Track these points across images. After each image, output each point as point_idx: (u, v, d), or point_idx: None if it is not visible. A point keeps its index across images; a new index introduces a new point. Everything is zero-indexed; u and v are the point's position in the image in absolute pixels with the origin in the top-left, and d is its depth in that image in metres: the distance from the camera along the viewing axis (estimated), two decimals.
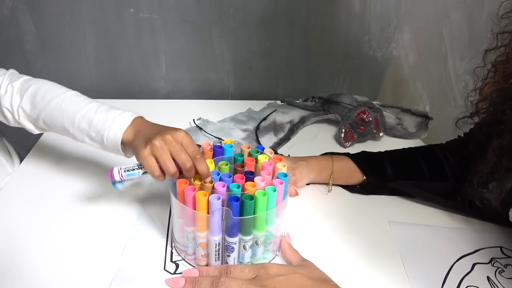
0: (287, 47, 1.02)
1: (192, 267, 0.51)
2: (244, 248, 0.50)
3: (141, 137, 0.50)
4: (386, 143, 0.87)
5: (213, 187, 0.48)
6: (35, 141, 0.78)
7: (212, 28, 0.97)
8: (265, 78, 1.06)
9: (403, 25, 1.04)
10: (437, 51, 1.08)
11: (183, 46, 0.99)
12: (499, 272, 0.56)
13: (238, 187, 0.47)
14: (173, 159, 0.48)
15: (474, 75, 0.63)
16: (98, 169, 0.70)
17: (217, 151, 0.55)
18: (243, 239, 0.49)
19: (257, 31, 0.99)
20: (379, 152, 0.71)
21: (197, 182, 0.49)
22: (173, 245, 0.54)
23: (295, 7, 0.97)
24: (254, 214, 0.47)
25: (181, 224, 0.50)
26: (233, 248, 0.49)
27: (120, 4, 0.91)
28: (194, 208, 0.47)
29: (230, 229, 0.48)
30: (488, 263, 0.57)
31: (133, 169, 0.50)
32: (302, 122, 0.90)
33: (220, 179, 0.49)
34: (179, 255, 0.53)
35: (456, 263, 0.57)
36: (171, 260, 0.52)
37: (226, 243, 0.49)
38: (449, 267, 0.56)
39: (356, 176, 0.67)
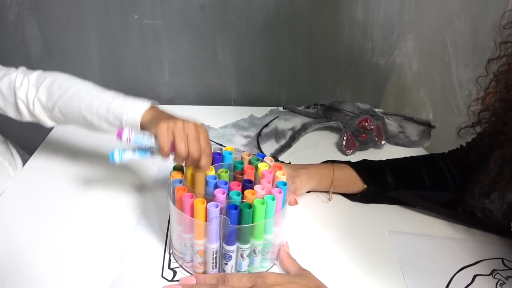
0: (289, 53, 1.03)
1: (189, 275, 0.50)
2: (242, 256, 0.49)
3: (163, 116, 0.53)
4: (388, 151, 0.87)
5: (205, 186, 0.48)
6: (38, 144, 0.79)
7: (215, 35, 0.98)
8: (268, 85, 1.07)
9: (407, 33, 1.04)
10: (440, 59, 1.08)
11: (186, 52, 1.00)
12: (500, 284, 0.55)
13: (238, 195, 0.47)
14: None
15: (477, 84, 0.63)
16: (100, 175, 0.70)
17: (216, 158, 0.55)
18: (240, 248, 0.49)
19: (260, 37, 1.00)
20: (380, 161, 0.70)
21: (189, 171, 0.50)
22: (171, 251, 0.54)
23: (298, 14, 0.97)
24: (252, 223, 0.47)
25: (179, 231, 0.49)
26: (230, 256, 0.49)
27: (124, 10, 0.92)
28: (192, 216, 0.46)
29: (228, 237, 0.47)
30: (489, 275, 0.57)
31: (143, 138, 0.50)
32: (303, 129, 0.90)
33: (216, 186, 0.49)
34: (177, 262, 0.53)
35: (457, 274, 0.56)
36: (169, 267, 0.52)
37: (223, 251, 0.49)
38: (450, 279, 0.55)
39: (357, 184, 0.67)
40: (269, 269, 0.53)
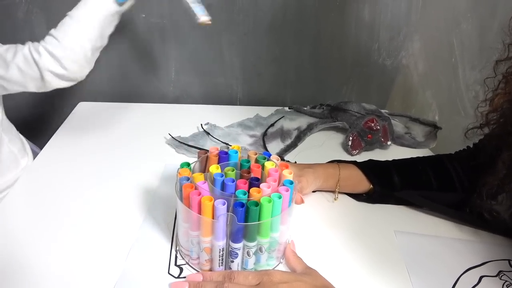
0: (296, 54, 1.03)
1: (196, 272, 0.51)
2: (248, 254, 0.50)
3: None
4: (394, 152, 0.87)
5: None
6: (47, 136, 0.80)
7: (221, 34, 0.98)
8: (274, 85, 1.07)
9: (413, 34, 1.03)
10: (447, 60, 1.08)
11: (193, 51, 1.00)
12: (506, 286, 0.55)
13: (244, 193, 0.47)
14: None
15: (484, 86, 0.63)
16: (108, 171, 0.71)
17: (222, 157, 0.55)
18: (247, 245, 0.49)
19: (267, 38, 1.00)
20: (387, 161, 0.70)
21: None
22: (177, 248, 0.54)
23: (304, 14, 0.97)
24: (259, 221, 0.47)
25: (186, 228, 0.50)
26: (237, 254, 0.49)
27: (132, 10, 0.92)
28: (199, 213, 0.47)
29: (235, 235, 0.47)
30: (496, 276, 0.56)
31: None
32: (309, 129, 0.90)
33: (223, 184, 0.49)
34: (183, 259, 0.53)
35: (463, 275, 0.56)
36: (175, 264, 0.52)
37: (230, 249, 0.49)
38: (456, 279, 0.55)
39: (363, 184, 0.67)
40: (275, 267, 0.53)
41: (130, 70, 1.02)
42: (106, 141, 0.82)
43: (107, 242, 0.55)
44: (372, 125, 0.82)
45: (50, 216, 0.59)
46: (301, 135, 0.88)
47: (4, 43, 0.66)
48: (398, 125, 0.97)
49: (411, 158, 0.72)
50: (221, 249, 0.49)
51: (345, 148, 0.84)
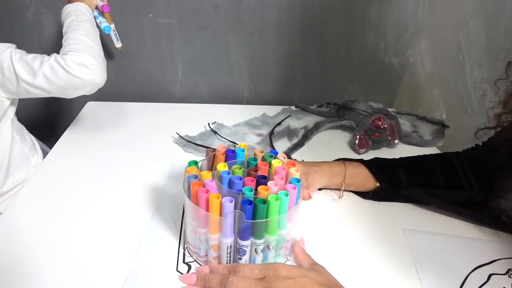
0: (302, 53, 1.03)
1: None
2: (256, 251, 0.50)
3: None
4: (401, 151, 0.86)
5: None
6: (57, 138, 0.81)
7: (228, 34, 0.98)
8: (280, 84, 1.07)
9: (420, 33, 1.03)
10: (454, 58, 1.07)
11: (200, 51, 1.00)
12: None
13: (251, 190, 0.48)
14: None
15: (495, 87, 0.62)
16: (116, 170, 0.72)
17: (230, 155, 0.55)
18: (255, 243, 0.49)
19: (273, 37, 1.00)
20: (393, 159, 0.70)
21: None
22: (185, 246, 0.54)
23: (311, 14, 0.97)
24: (266, 218, 0.47)
25: (194, 225, 0.50)
26: (244, 251, 0.49)
27: (139, 10, 0.93)
28: (207, 210, 0.47)
29: (243, 232, 0.48)
30: (505, 274, 0.56)
31: None
32: (316, 128, 0.90)
33: (230, 181, 0.49)
34: (191, 256, 0.53)
35: (472, 273, 0.55)
36: (184, 261, 0.52)
37: (238, 246, 0.49)
38: (465, 277, 0.54)
39: (370, 182, 0.67)
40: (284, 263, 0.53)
41: (137, 70, 1.02)
42: (114, 140, 0.82)
43: (115, 240, 0.55)
44: (379, 123, 0.82)
45: (59, 213, 0.60)
46: (308, 134, 0.88)
47: (14, 43, 0.68)
48: (405, 124, 0.97)
49: (418, 156, 0.72)
50: (229, 247, 0.49)
51: (352, 146, 0.84)
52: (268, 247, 0.50)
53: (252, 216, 0.47)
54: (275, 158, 0.55)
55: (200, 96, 1.06)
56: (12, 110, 0.71)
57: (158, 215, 0.60)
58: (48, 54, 0.66)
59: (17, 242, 0.54)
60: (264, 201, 0.46)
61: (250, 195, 0.47)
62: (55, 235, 0.56)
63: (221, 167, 0.52)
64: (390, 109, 0.97)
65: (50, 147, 0.78)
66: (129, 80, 1.04)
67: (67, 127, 0.86)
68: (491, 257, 0.58)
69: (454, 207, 0.65)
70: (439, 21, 1.02)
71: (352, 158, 0.71)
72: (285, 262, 0.54)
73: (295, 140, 0.86)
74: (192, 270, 0.51)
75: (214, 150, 0.56)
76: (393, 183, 0.66)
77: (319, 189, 0.68)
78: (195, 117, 0.93)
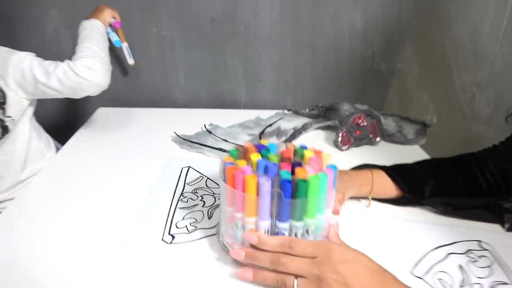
0: (294, 61, 1.11)
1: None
2: (295, 235, 0.48)
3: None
4: (384, 148, 0.92)
5: None
6: (73, 128, 0.91)
7: (225, 45, 1.08)
8: (274, 90, 1.15)
9: (405, 39, 1.09)
10: (441, 63, 1.12)
11: (199, 60, 1.10)
12: (472, 262, 0.57)
13: (288, 174, 0.47)
14: None
15: None
16: (120, 163, 0.80)
17: (261, 150, 0.55)
18: (294, 226, 0.48)
19: (266, 47, 1.09)
20: (416, 166, 0.70)
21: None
22: (220, 239, 0.55)
23: (300, 24, 1.06)
24: (306, 197, 0.46)
25: (230, 212, 0.50)
26: (283, 234, 0.48)
27: (145, 24, 1.04)
28: (244, 191, 0.46)
29: (281, 213, 0.47)
30: (463, 253, 0.59)
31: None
32: (304, 128, 0.97)
33: (266, 168, 0.48)
34: (228, 247, 0.53)
35: (431, 252, 0.59)
36: (169, 233, 0.59)
37: (276, 230, 0.48)
38: (423, 255, 0.58)
39: (394, 192, 0.68)
40: None
41: (144, 79, 1.13)
42: (120, 140, 0.92)
43: (114, 221, 0.63)
44: (359, 121, 0.88)
45: (66, 200, 0.68)
46: (295, 134, 0.95)
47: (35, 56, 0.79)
48: (390, 125, 1.02)
49: (440, 160, 0.72)
50: (267, 230, 0.48)
51: (336, 144, 0.90)
52: (307, 231, 0.49)
53: (292, 196, 0.46)
54: (306, 149, 0.55)
55: (200, 102, 1.15)
56: (30, 110, 0.82)
57: (153, 196, 0.68)
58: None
59: (28, 223, 0.62)
60: (305, 181, 0.46)
61: (288, 176, 0.46)
62: (62, 218, 0.64)
63: (255, 156, 0.51)
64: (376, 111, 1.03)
65: (63, 145, 0.88)
66: (137, 88, 1.14)
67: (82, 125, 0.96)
68: (453, 239, 0.61)
69: (469, 213, 0.66)
70: (423, 28, 1.08)
71: (375, 164, 0.72)
72: None
73: (283, 139, 0.93)
74: (175, 240, 0.58)
75: (243, 147, 0.56)
76: (416, 193, 0.67)
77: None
78: (196, 121, 1.01)
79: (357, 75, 1.13)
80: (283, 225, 0.48)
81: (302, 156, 0.54)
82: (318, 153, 0.54)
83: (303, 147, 0.56)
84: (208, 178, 0.76)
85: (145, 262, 0.54)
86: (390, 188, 0.68)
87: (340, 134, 0.89)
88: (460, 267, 0.56)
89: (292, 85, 1.14)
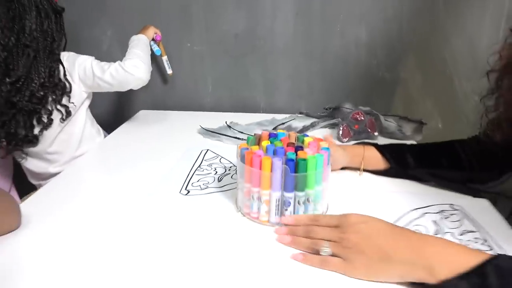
0: (306, 71, 1.26)
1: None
2: (299, 203, 0.61)
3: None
4: (382, 142, 1.02)
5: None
6: (119, 124, 1.11)
7: (246, 56, 1.26)
8: (290, 97, 1.30)
9: (407, 51, 1.21)
10: (442, 73, 1.22)
11: (225, 71, 1.29)
12: (444, 218, 0.66)
13: (293, 154, 0.61)
14: None
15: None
16: (156, 154, 0.98)
17: (272, 137, 0.70)
18: (297, 195, 0.60)
19: (282, 58, 1.25)
20: (404, 144, 0.83)
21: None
22: (238, 210, 0.68)
23: (312, 38, 1.21)
24: (306, 172, 0.59)
25: (248, 188, 0.62)
26: (289, 202, 0.60)
27: (180, 40, 1.25)
28: (260, 169, 0.59)
29: (287, 185, 0.59)
30: (437, 213, 0.68)
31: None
32: (312, 126, 1.11)
33: (275, 151, 0.62)
34: (244, 216, 0.66)
35: (410, 212, 0.68)
36: (185, 188, 0.75)
37: (284, 199, 0.60)
38: (403, 214, 0.67)
39: (382, 164, 0.79)
40: None
41: (178, 85, 1.33)
42: (156, 134, 1.11)
43: (142, 193, 0.80)
44: (357, 116, 1.01)
45: (109, 174, 0.86)
46: (303, 130, 1.09)
47: None
48: (391, 125, 1.13)
49: (425, 143, 0.83)
50: (277, 200, 0.60)
51: (337, 137, 1.03)
52: (308, 200, 0.61)
53: (295, 170, 0.59)
54: (306, 137, 0.70)
55: (224, 107, 1.33)
56: (87, 102, 1.04)
57: (176, 167, 0.85)
58: None
59: (76, 188, 0.80)
60: (304, 160, 0.59)
61: (292, 156, 0.60)
62: (102, 187, 0.80)
63: (266, 143, 0.65)
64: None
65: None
66: (172, 94, 1.34)
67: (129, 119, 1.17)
68: (429, 203, 0.70)
69: (452, 185, 0.75)
70: (423, 40, 1.20)
71: (369, 141, 0.85)
72: None
73: None
74: (190, 194, 0.73)
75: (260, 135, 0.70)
76: (402, 164, 0.78)
77: (342, 169, 0.82)
78: (220, 122, 1.16)
79: (364, 83, 1.25)
80: (289, 195, 0.60)
81: (303, 142, 0.69)
82: (316, 139, 0.68)
83: (305, 135, 0.70)
84: (222, 157, 0.91)
85: (166, 208, 0.70)
86: (378, 160, 0.80)
87: (341, 128, 1.02)
88: (434, 222, 0.65)
89: (305, 92, 1.29)
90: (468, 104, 1.25)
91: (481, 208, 0.69)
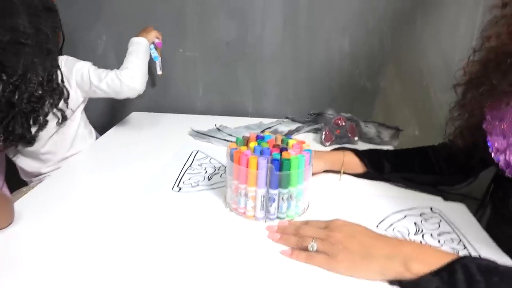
0: (293, 78, 1.33)
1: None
2: (282, 199, 0.66)
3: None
4: (362, 147, 1.09)
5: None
6: (112, 126, 1.16)
7: (236, 63, 1.32)
8: (277, 102, 1.37)
9: (387, 62, 1.29)
10: (419, 84, 1.30)
11: (216, 76, 1.35)
12: (425, 220, 0.71)
13: (278, 155, 0.66)
14: None
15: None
16: (146, 155, 1.03)
17: (260, 138, 0.74)
18: (281, 192, 0.65)
19: (270, 65, 1.31)
20: (381, 150, 0.90)
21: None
22: (226, 206, 0.73)
23: (299, 48, 1.29)
24: (289, 171, 0.64)
25: (236, 184, 0.67)
26: (274, 199, 0.65)
27: (174, 46, 1.31)
28: (247, 167, 0.64)
29: (272, 183, 0.64)
30: (418, 215, 0.72)
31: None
32: (297, 130, 1.18)
33: (261, 151, 0.67)
34: (232, 211, 0.71)
35: (392, 215, 0.72)
36: (177, 186, 0.81)
37: (269, 195, 0.65)
38: (385, 217, 0.71)
39: (360, 168, 0.86)
40: (301, 215, 0.70)
41: (170, 89, 1.38)
42: (147, 135, 1.16)
43: (134, 190, 0.85)
44: (339, 122, 1.08)
45: (100, 172, 0.91)
46: (289, 134, 1.16)
47: None
48: (371, 131, 1.21)
49: (401, 149, 0.89)
50: (263, 196, 0.65)
51: (320, 141, 1.10)
52: (291, 196, 0.66)
53: (280, 169, 0.64)
54: (290, 139, 0.75)
55: (215, 110, 1.38)
56: (83, 105, 1.08)
57: (168, 166, 0.90)
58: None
59: (68, 185, 0.85)
60: (288, 160, 0.64)
61: (277, 156, 0.65)
62: (93, 184, 0.85)
63: (253, 144, 0.70)
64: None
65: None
66: (164, 97, 1.39)
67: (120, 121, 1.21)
68: (410, 206, 0.75)
69: (423, 187, 0.82)
70: (402, 53, 1.28)
71: (349, 147, 0.90)
72: (302, 214, 0.70)
73: None
74: (181, 191, 0.79)
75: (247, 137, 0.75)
76: (378, 169, 0.84)
77: (325, 171, 0.87)
78: (210, 125, 1.22)
79: (346, 91, 1.33)
80: (274, 191, 0.65)
81: (287, 144, 0.74)
82: (299, 142, 0.74)
83: (289, 137, 0.76)
84: (212, 157, 0.97)
85: (159, 204, 0.75)
86: (356, 164, 0.86)
87: (324, 133, 1.09)
88: (415, 223, 0.70)
89: (291, 98, 1.36)
90: (442, 113, 1.32)
91: (457, 212, 0.75)
